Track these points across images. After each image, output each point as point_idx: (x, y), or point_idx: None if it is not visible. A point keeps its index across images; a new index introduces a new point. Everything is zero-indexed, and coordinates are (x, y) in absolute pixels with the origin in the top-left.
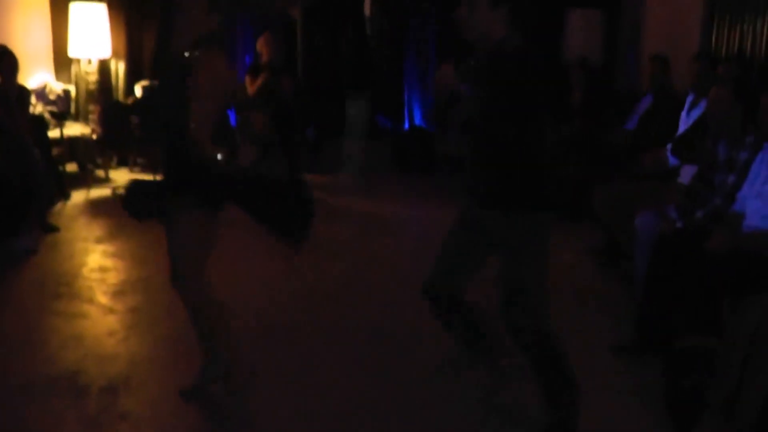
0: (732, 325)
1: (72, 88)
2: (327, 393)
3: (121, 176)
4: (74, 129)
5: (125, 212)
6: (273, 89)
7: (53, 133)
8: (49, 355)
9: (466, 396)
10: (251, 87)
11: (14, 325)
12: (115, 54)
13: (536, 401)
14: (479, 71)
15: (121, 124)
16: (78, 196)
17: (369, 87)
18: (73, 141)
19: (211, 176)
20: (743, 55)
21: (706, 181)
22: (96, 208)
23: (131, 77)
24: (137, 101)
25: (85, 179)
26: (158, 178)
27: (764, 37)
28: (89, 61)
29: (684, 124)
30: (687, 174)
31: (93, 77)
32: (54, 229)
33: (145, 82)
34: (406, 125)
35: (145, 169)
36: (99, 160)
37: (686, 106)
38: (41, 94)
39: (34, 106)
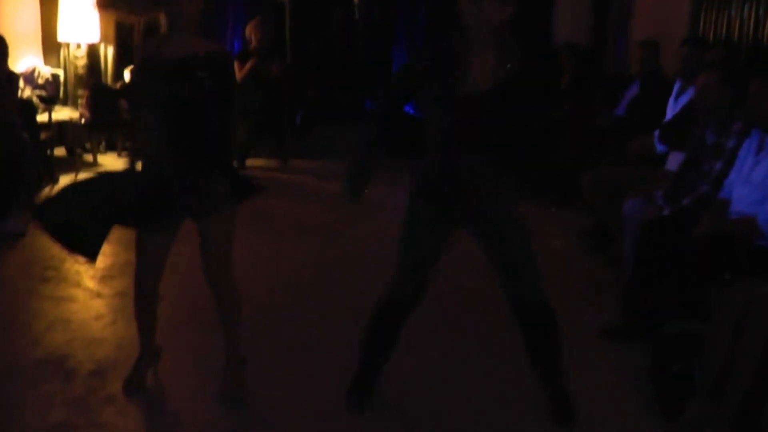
0: (719, 309)
1: (61, 73)
2: (319, 378)
3: (110, 161)
4: (63, 113)
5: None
6: (261, 74)
7: (41, 117)
8: (36, 338)
9: (458, 377)
10: (239, 72)
11: (1, 309)
12: (104, 38)
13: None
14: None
15: (109, 109)
16: (66, 181)
17: (357, 71)
18: (62, 125)
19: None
20: (731, 40)
21: (694, 168)
22: None
23: (120, 62)
24: (126, 86)
25: (74, 163)
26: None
27: (752, 22)
28: (78, 46)
29: (672, 110)
30: (674, 160)
31: (82, 61)
32: None
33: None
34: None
35: (134, 153)
36: (87, 145)
37: (674, 92)
38: (30, 78)
39: (23, 90)
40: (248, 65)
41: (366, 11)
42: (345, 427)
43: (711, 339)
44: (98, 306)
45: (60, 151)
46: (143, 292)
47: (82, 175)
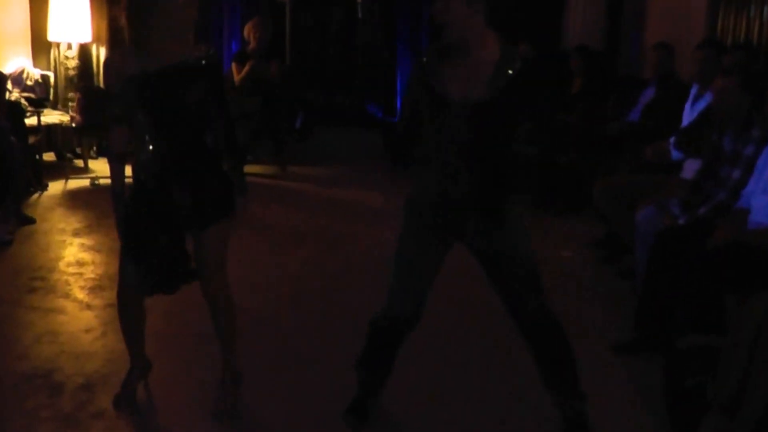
0: (735, 323)
1: (51, 74)
2: (319, 392)
3: (101, 166)
4: (52, 117)
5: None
6: (260, 76)
7: (30, 121)
8: (22, 351)
9: (460, 388)
10: (237, 75)
11: None
12: (97, 38)
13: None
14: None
15: (101, 112)
16: (55, 187)
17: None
18: (51, 129)
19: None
20: (750, 43)
21: (711, 176)
22: (74, 199)
23: None
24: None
25: (63, 169)
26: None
27: None
28: (69, 46)
29: (688, 115)
30: (690, 168)
31: (73, 63)
32: (29, 220)
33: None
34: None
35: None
36: (78, 150)
37: (690, 97)
38: (18, 79)
39: (11, 93)
40: (246, 67)
41: (368, 10)
42: None
43: (727, 353)
44: (88, 318)
45: (49, 156)
46: (128, 305)
47: (72, 182)
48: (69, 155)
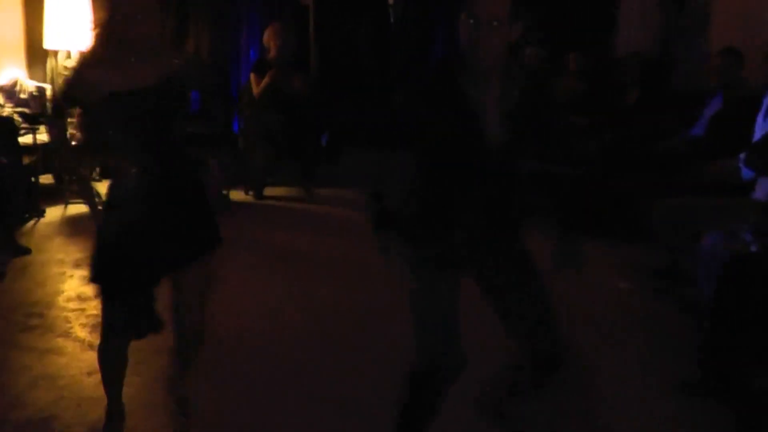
0: None
1: (47, 86)
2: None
3: (105, 190)
4: None
5: None
6: (282, 89)
7: (25, 139)
8: (17, 397)
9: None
10: (257, 87)
11: None
12: None
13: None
14: None
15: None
16: (53, 213)
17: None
18: (49, 148)
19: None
20: None
21: None
22: (74, 226)
23: None
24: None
25: (62, 193)
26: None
27: None
28: (68, 54)
29: (760, 129)
30: (763, 188)
31: None
32: (24, 250)
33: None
34: None
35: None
36: (79, 171)
37: (763, 109)
38: (11, 92)
39: (2, 107)
40: (266, 79)
41: (402, 14)
42: None
43: None
44: (90, 359)
45: (46, 179)
46: (116, 352)
47: (73, 208)
48: (69, 178)
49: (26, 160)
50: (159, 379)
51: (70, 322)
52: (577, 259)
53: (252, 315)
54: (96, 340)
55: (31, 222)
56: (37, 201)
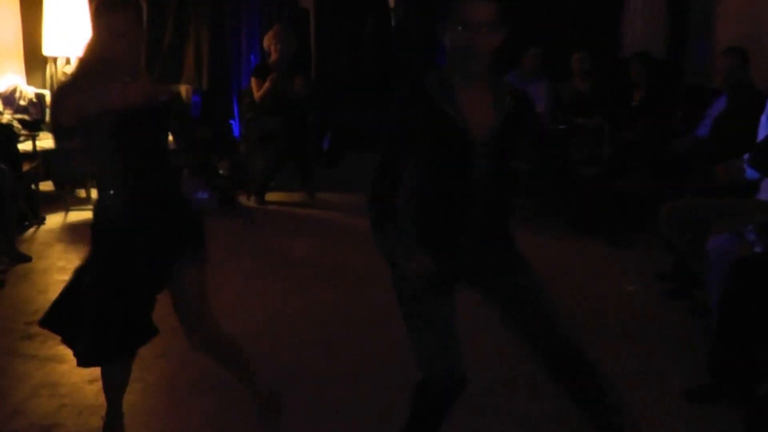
0: None
1: (47, 93)
2: None
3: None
4: (49, 141)
5: None
6: (283, 93)
7: (24, 146)
8: (18, 405)
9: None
10: (257, 91)
11: None
12: None
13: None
14: None
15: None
16: (54, 220)
17: (394, 88)
18: (48, 155)
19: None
20: None
21: None
22: (74, 233)
23: None
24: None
25: (63, 200)
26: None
27: None
28: (67, 60)
29: (765, 128)
30: None
31: None
32: (24, 258)
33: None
34: None
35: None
36: (79, 177)
37: (767, 109)
38: (9, 99)
39: (1, 114)
40: (267, 83)
41: (404, 16)
42: None
43: None
44: (91, 367)
45: (46, 186)
46: (117, 367)
47: (73, 215)
48: (68, 185)
49: (26, 167)
50: (161, 385)
51: None
52: None
53: (253, 319)
54: None
55: (32, 229)
56: (37, 208)
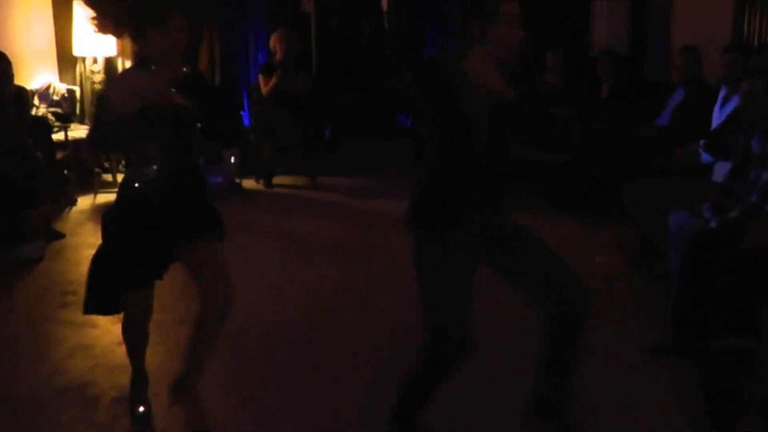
0: None
1: (77, 89)
2: (348, 413)
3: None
4: (80, 131)
5: None
6: (287, 88)
7: (57, 136)
8: (56, 366)
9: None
10: (264, 87)
11: (20, 336)
12: (122, 52)
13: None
14: None
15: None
16: (84, 201)
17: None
18: (79, 143)
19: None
20: None
21: (741, 178)
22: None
23: None
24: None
25: (92, 183)
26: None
27: None
28: (95, 60)
29: (717, 118)
30: (721, 171)
31: (99, 77)
32: (59, 235)
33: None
34: None
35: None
36: (106, 164)
37: (719, 100)
38: (44, 95)
39: (37, 108)
40: (274, 79)
41: (396, 20)
42: None
43: (762, 355)
44: (119, 331)
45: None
46: (137, 328)
47: (101, 197)
48: (97, 170)
49: (59, 155)
50: (180, 349)
51: None
52: None
53: (261, 293)
54: None
55: (65, 210)
56: (69, 191)
